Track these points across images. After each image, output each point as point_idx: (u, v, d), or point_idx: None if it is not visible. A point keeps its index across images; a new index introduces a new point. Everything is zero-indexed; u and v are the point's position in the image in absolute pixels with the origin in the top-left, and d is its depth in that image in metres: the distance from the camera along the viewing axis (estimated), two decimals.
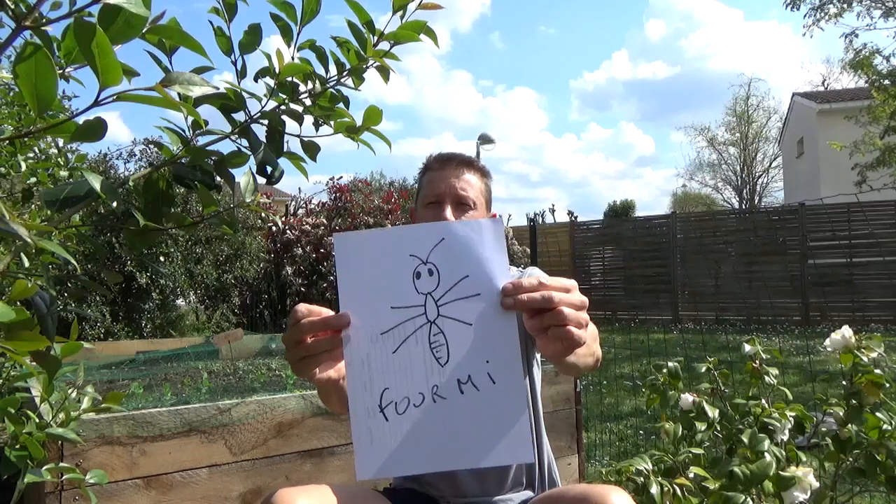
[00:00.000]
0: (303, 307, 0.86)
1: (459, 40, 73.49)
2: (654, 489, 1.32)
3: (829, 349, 1.64)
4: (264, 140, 0.86)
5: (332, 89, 0.88)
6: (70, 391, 1.15)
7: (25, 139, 1.40)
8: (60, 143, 1.58)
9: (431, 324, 0.82)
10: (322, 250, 8.05)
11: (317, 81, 0.86)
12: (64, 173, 1.53)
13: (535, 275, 1.33)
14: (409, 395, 0.81)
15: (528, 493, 1.30)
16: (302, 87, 0.86)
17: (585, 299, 0.84)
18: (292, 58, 0.84)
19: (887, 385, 1.56)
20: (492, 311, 0.81)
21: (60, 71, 0.75)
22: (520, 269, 1.41)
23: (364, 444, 0.81)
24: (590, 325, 0.97)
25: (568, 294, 0.81)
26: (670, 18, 57.90)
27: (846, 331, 1.62)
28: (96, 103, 0.63)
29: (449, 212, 1.32)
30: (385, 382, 0.81)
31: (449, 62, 79.88)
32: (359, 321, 0.82)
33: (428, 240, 0.83)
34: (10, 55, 0.91)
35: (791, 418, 1.58)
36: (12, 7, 0.61)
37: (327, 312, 0.85)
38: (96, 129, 0.66)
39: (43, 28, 0.61)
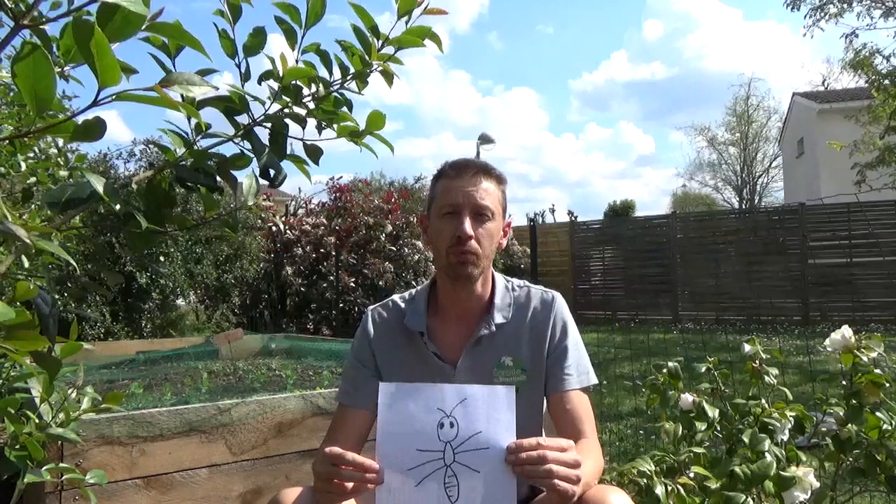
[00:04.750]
0: (338, 453, 0.99)
1: (458, 40, 73.51)
2: (660, 490, 1.32)
3: (829, 349, 1.63)
4: (267, 143, 0.86)
5: (335, 93, 0.88)
6: (70, 391, 1.15)
7: (25, 139, 1.40)
8: (60, 142, 1.57)
9: (447, 467, 1.00)
10: (322, 250, 8.04)
11: (320, 85, 0.86)
12: (64, 173, 1.52)
13: (560, 309, 1.34)
14: None
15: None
16: (305, 91, 0.86)
17: (579, 458, 0.97)
18: (296, 61, 0.84)
19: (887, 385, 1.56)
20: (497, 463, 0.99)
21: (59, 70, 0.75)
22: (540, 288, 1.37)
23: None
24: (599, 462, 1.18)
25: (562, 454, 0.95)
26: (668, 18, 57.76)
27: (846, 331, 1.62)
28: (95, 103, 0.63)
29: (467, 223, 1.24)
30: None
31: (448, 62, 79.98)
32: (391, 457, 1.00)
33: (453, 398, 1.03)
34: (10, 54, 0.91)
35: (791, 418, 1.58)
36: (11, 6, 0.61)
37: (355, 458, 0.99)
38: (95, 129, 0.65)
39: (41, 27, 0.60)
